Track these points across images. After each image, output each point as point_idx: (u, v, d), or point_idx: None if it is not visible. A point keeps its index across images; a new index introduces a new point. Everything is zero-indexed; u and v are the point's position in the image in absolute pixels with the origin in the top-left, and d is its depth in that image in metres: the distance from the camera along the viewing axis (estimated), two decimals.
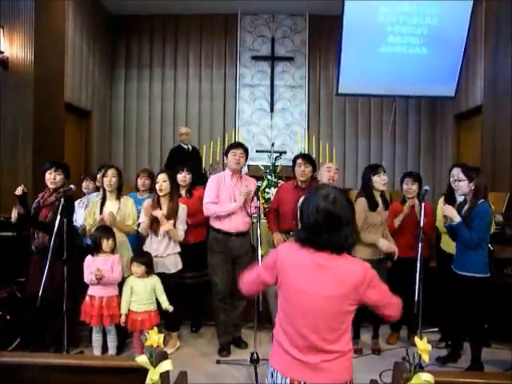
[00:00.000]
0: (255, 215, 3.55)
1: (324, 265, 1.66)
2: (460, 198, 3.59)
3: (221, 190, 3.76)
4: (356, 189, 5.95)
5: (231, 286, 3.70)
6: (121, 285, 3.56)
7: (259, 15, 7.80)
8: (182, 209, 3.75)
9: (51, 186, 3.62)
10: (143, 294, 3.49)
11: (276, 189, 4.55)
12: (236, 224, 3.75)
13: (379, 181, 3.65)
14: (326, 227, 1.66)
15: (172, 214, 3.67)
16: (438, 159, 7.54)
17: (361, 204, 3.62)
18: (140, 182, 4.32)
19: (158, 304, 3.56)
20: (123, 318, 3.46)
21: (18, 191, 3.52)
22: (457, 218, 3.27)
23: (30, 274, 3.56)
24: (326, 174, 3.88)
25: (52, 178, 3.60)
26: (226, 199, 3.75)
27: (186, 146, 6.33)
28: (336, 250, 1.68)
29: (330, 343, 1.67)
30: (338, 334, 1.68)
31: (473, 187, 3.29)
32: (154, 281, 3.55)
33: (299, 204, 1.81)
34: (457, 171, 3.70)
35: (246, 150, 3.84)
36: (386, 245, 3.60)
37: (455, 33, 6.05)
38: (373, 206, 3.62)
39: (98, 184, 4.30)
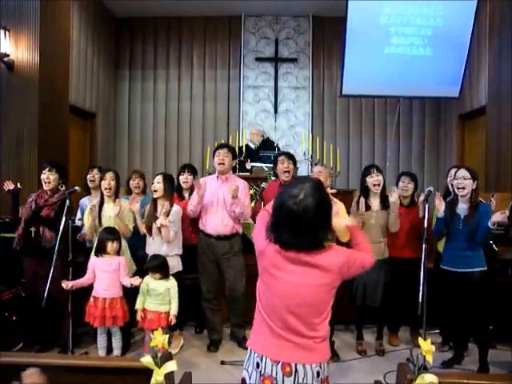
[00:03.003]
0: None
1: (300, 259, 1.61)
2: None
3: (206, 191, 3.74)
4: None
5: (217, 287, 3.85)
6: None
7: (263, 17, 7.80)
8: (174, 211, 3.70)
9: (45, 187, 3.60)
10: (155, 295, 3.52)
11: None
12: (215, 227, 3.74)
13: (371, 181, 3.72)
14: (287, 228, 1.57)
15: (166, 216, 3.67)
16: (442, 159, 7.51)
17: (352, 207, 3.77)
18: (133, 183, 4.21)
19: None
20: (139, 314, 3.52)
21: (8, 186, 3.52)
22: (442, 211, 3.39)
23: (29, 275, 3.61)
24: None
25: (45, 177, 3.59)
26: (209, 200, 3.75)
27: (253, 146, 6.43)
28: (302, 250, 1.60)
29: (314, 329, 1.65)
30: (321, 320, 1.66)
31: (474, 187, 3.35)
32: (170, 284, 3.55)
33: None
34: (454, 171, 3.77)
35: (231, 150, 3.86)
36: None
37: (459, 33, 6.04)
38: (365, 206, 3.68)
39: (90, 185, 4.10)
